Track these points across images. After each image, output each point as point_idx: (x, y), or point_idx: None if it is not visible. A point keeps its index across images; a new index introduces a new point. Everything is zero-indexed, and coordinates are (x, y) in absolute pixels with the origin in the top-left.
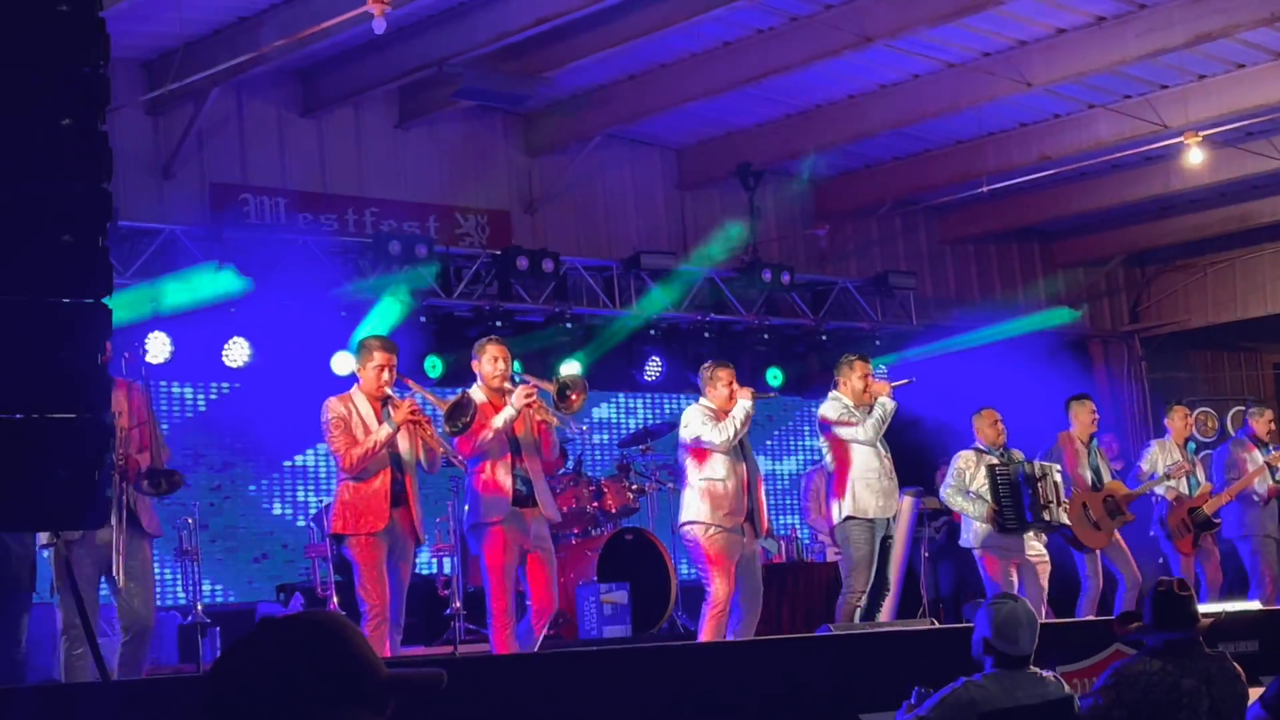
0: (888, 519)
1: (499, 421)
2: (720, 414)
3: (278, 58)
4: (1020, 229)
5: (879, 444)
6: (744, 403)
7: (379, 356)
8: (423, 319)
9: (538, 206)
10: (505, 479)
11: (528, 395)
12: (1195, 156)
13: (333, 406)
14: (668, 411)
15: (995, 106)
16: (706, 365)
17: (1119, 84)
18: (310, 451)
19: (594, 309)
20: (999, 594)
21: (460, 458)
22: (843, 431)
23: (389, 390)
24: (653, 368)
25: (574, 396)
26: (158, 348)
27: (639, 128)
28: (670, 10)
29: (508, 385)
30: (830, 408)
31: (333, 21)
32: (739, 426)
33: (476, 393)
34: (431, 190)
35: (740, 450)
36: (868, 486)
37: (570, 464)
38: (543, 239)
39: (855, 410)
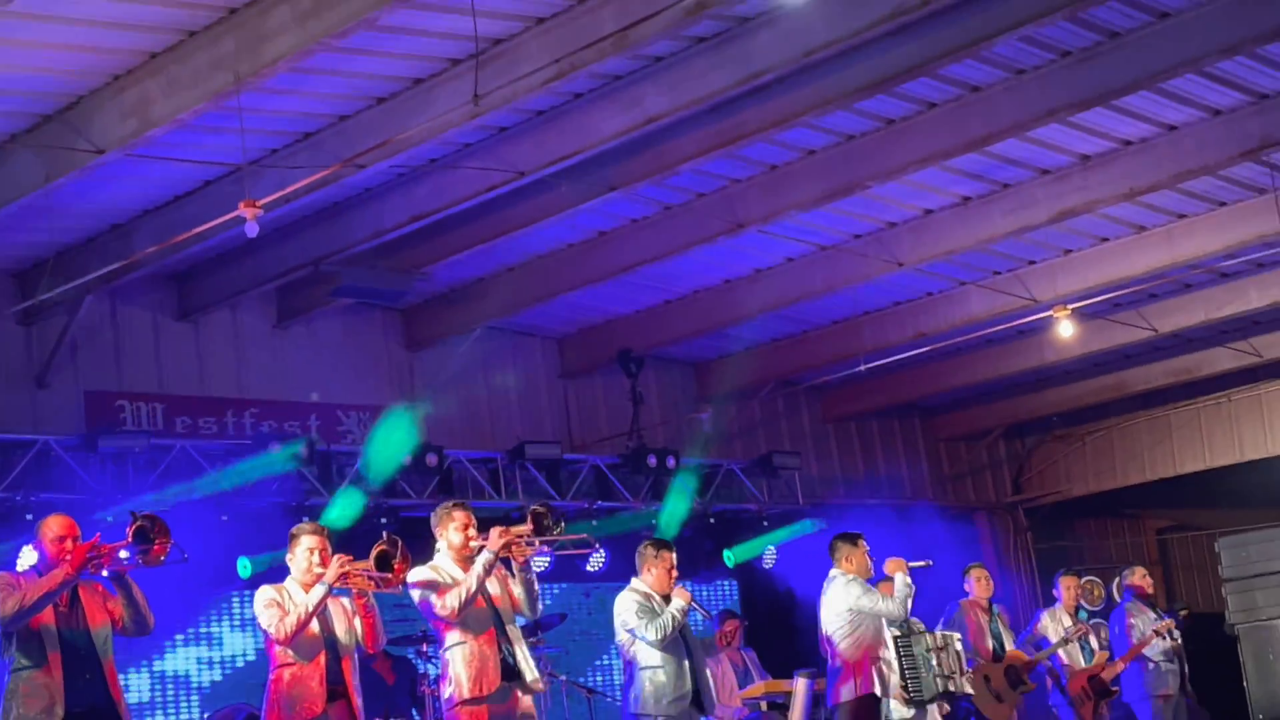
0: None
1: (478, 567)
2: (654, 598)
3: (152, 263)
4: (901, 405)
5: (885, 624)
6: (678, 602)
7: (306, 540)
8: (305, 519)
9: (420, 401)
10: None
11: (502, 535)
12: (1066, 329)
13: (264, 591)
14: (557, 602)
15: (869, 286)
16: (646, 544)
17: (988, 261)
18: (183, 654)
19: (480, 501)
20: None
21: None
22: (868, 607)
23: (320, 571)
24: (540, 558)
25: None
26: (31, 561)
27: (519, 318)
28: (545, 203)
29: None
30: (854, 585)
31: (206, 226)
32: (669, 630)
33: (443, 560)
34: (312, 389)
35: (680, 632)
36: (882, 665)
37: None
38: (426, 433)
39: (871, 587)
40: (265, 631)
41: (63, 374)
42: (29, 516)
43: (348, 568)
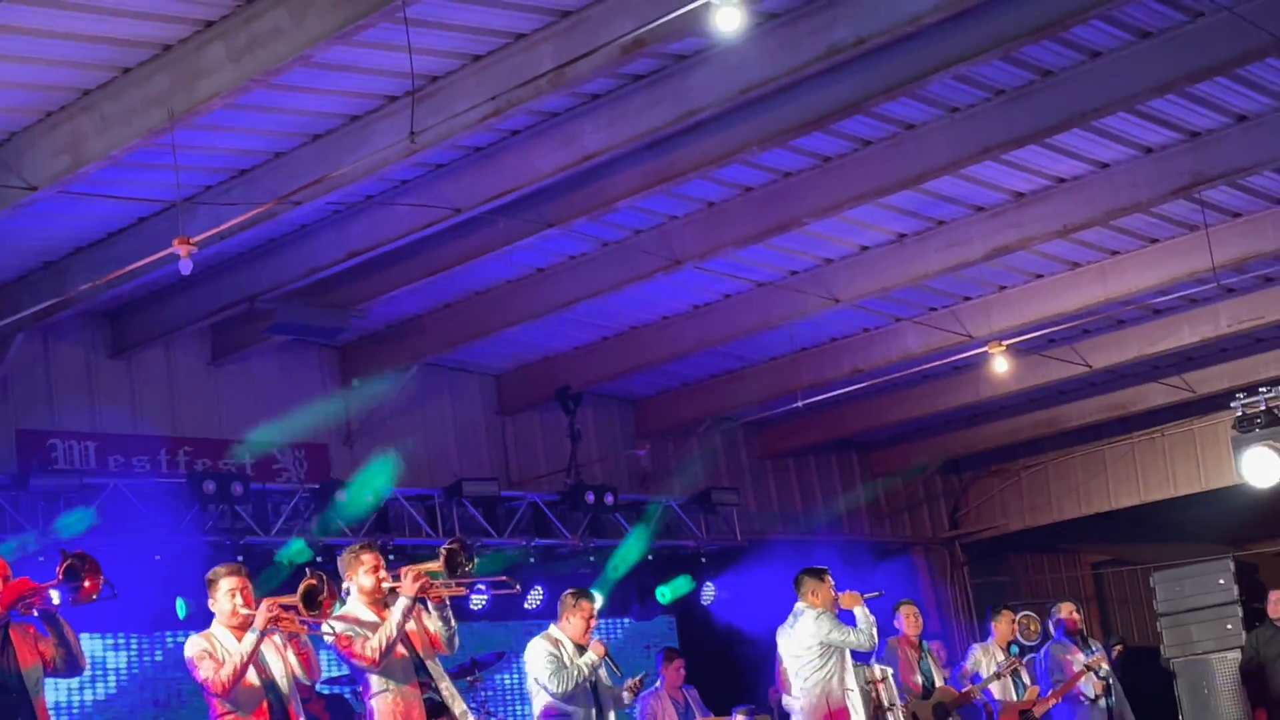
0: None
1: (397, 614)
2: (565, 647)
3: (85, 300)
4: (838, 440)
5: (848, 656)
6: (590, 656)
7: (225, 583)
8: (240, 558)
9: (356, 438)
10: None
11: (416, 578)
12: (1001, 365)
13: (194, 642)
14: (497, 640)
15: (806, 322)
16: (568, 593)
17: (924, 297)
18: (125, 700)
19: (416, 539)
20: None
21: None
22: (838, 640)
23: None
24: (479, 597)
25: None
26: None
27: (456, 355)
28: (482, 240)
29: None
30: (824, 619)
31: (140, 263)
32: (573, 685)
33: (354, 606)
34: (247, 426)
35: (592, 683)
36: (846, 695)
37: None
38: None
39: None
40: (202, 683)
41: None
42: None
43: (276, 611)
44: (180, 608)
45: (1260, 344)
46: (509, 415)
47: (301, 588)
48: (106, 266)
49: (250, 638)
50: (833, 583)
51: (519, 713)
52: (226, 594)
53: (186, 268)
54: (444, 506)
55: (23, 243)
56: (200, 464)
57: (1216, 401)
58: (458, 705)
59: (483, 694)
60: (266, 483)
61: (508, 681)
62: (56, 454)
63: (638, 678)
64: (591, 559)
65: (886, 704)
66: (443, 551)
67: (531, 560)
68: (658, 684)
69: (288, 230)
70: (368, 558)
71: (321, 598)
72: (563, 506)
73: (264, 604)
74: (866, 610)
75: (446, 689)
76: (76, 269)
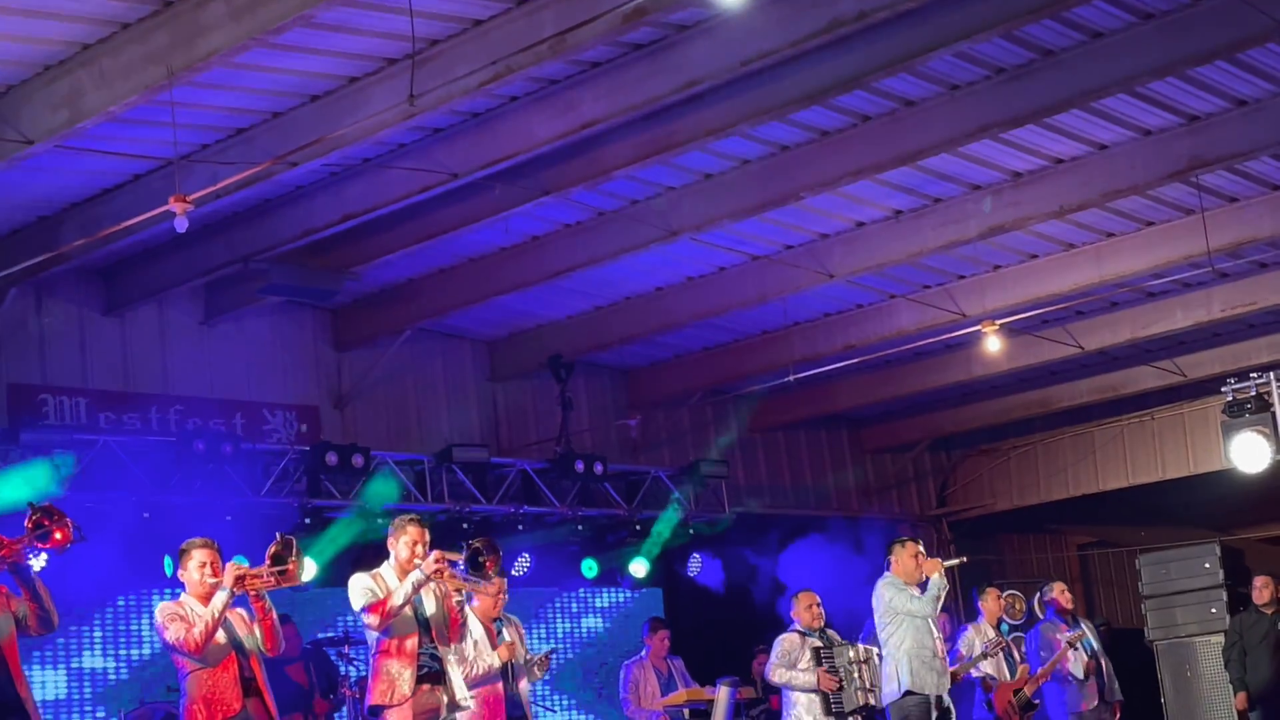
0: (940, 695)
1: (407, 584)
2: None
3: (79, 256)
4: (828, 416)
5: (931, 623)
6: (416, 574)
7: (197, 555)
8: (229, 518)
9: (347, 401)
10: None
11: (437, 561)
12: (993, 344)
13: (163, 607)
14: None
15: (800, 297)
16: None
17: (918, 275)
18: (109, 657)
19: (405, 504)
20: None
21: None
22: (900, 607)
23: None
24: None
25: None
26: None
27: (449, 321)
28: (478, 206)
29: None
30: (890, 585)
31: (135, 220)
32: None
33: (386, 571)
34: (238, 387)
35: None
36: (924, 663)
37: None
38: (353, 434)
39: (911, 589)
40: (171, 644)
41: None
42: None
43: (243, 571)
44: (168, 565)
45: (1252, 329)
46: (500, 382)
47: (270, 551)
48: (101, 223)
49: (221, 595)
50: (916, 549)
51: None
52: (196, 566)
53: (182, 226)
54: (434, 472)
55: (18, 197)
56: (191, 423)
57: (1207, 386)
58: (460, 689)
59: None
60: (256, 443)
61: None
62: (47, 409)
63: (544, 652)
64: (580, 527)
65: (869, 685)
66: (470, 546)
67: (520, 528)
68: (642, 653)
69: (284, 191)
70: (411, 530)
71: (290, 560)
72: (552, 474)
73: (230, 565)
74: (940, 578)
75: (451, 659)
76: (71, 224)
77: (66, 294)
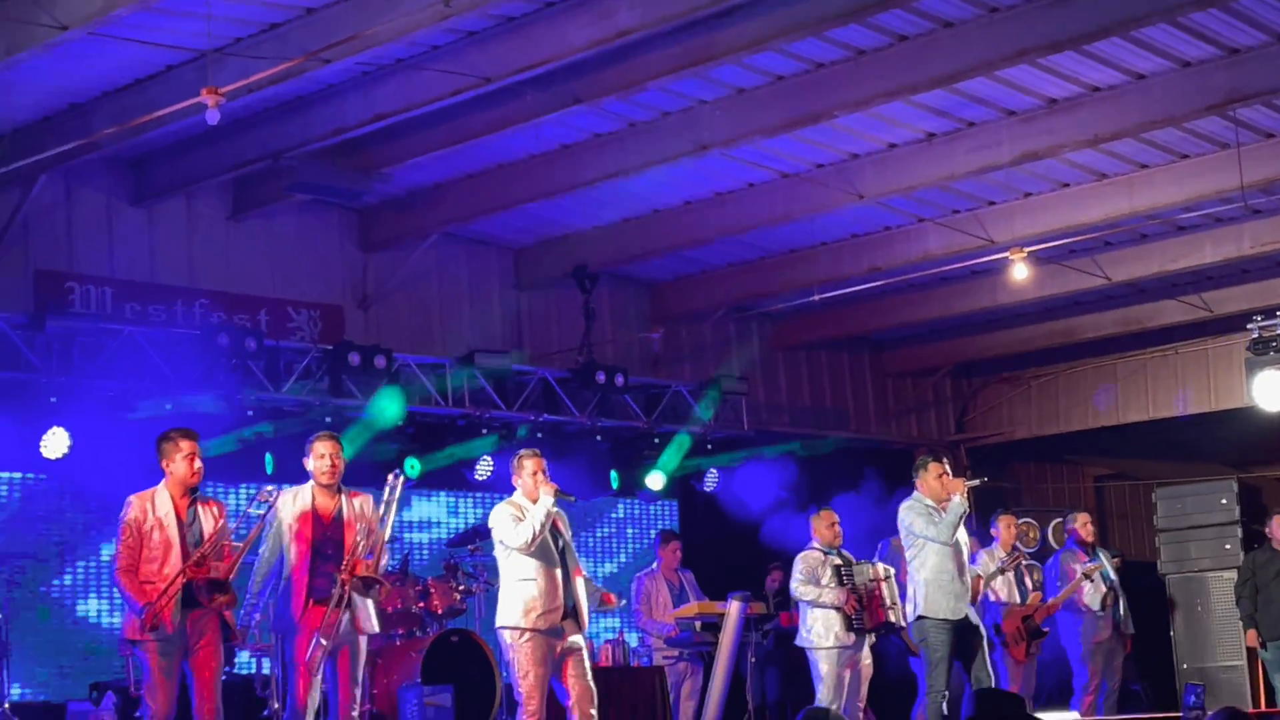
0: (965, 618)
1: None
2: (524, 508)
3: (109, 145)
4: (851, 337)
5: (954, 546)
6: (545, 500)
7: (186, 445)
8: (250, 413)
9: (371, 302)
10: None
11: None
12: (1020, 272)
13: (130, 505)
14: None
15: (828, 217)
16: (517, 454)
17: (948, 199)
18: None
19: (426, 407)
20: (814, 708)
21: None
22: (920, 532)
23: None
24: (484, 467)
25: None
26: None
27: (476, 226)
28: (509, 112)
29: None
30: (912, 509)
31: (166, 111)
32: (537, 528)
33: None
34: (263, 283)
35: (554, 544)
36: (940, 589)
37: (397, 563)
38: (376, 335)
39: (937, 510)
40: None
41: (13, 252)
42: None
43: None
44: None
45: None
46: (525, 290)
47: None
48: (133, 112)
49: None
50: (940, 469)
51: None
52: (184, 457)
53: (213, 118)
54: (455, 375)
55: (50, 83)
56: (215, 317)
57: (1233, 322)
58: (583, 613)
59: (480, 563)
60: (280, 340)
61: None
62: (74, 297)
63: (619, 596)
64: (598, 438)
65: (888, 603)
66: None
67: (539, 436)
68: (654, 565)
69: (316, 89)
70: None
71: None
72: (573, 384)
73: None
74: (962, 501)
75: (579, 595)
76: (102, 113)
77: (96, 183)
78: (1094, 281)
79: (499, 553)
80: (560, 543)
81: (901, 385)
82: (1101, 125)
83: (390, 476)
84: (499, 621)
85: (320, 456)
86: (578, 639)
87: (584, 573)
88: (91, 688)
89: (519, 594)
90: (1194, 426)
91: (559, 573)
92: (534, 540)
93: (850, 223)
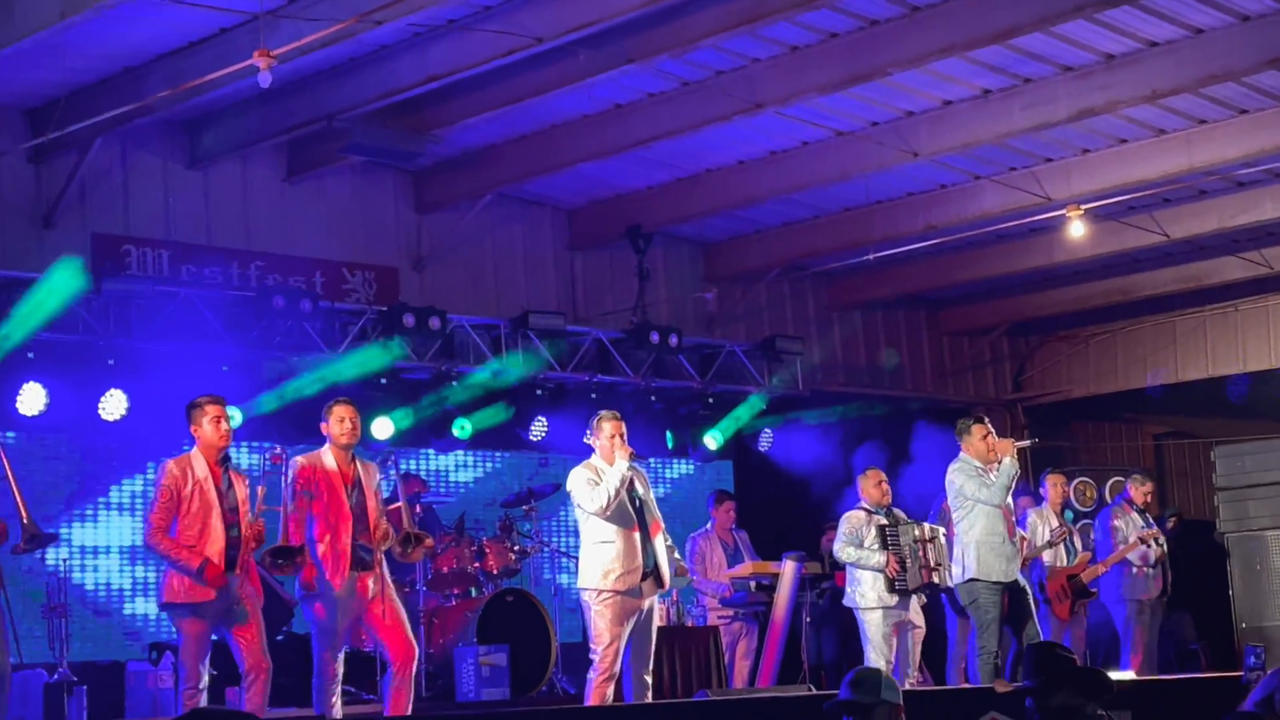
0: (1015, 580)
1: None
2: (601, 470)
3: (163, 108)
4: (906, 297)
5: (1005, 507)
6: (620, 464)
7: (212, 409)
8: (306, 374)
9: (426, 264)
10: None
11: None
12: (1078, 229)
13: (169, 471)
14: (553, 472)
15: (883, 175)
16: (596, 415)
17: (1004, 156)
18: None
19: (482, 365)
20: (863, 668)
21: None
22: (970, 493)
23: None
24: (539, 428)
25: None
26: (32, 399)
27: (530, 187)
28: (562, 72)
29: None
30: (961, 471)
31: (219, 74)
32: (612, 493)
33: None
34: (318, 245)
35: (631, 505)
36: (992, 550)
37: (452, 523)
38: (430, 296)
39: (985, 472)
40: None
41: (70, 215)
42: (30, 355)
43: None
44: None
45: None
46: (578, 250)
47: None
48: (187, 75)
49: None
50: (985, 430)
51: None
52: (211, 420)
53: (266, 81)
54: (509, 336)
55: (105, 47)
56: (270, 279)
57: None
58: (664, 571)
59: (533, 523)
60: (335, 302)
61: (562, 514)
62: (130, 260)
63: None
64: (652, 399)
65: (934, 563)
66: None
67: (593, 395)
68: (708, 525)
69: (368, 50)
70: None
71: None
72: (627, 345)
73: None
74: (1012, 462)
75: (660, 556)
76: (157, 76)
77: (151, 146)
78: (1152, 239)
79: (578, 515)
80: (639, 502)
81: (958, 344)
82: (1159, 81)
83: (391, 459)
84: (579, 583)
85: (340, 420)
86: (652, 600)
87: (663, 528)
88: (151, 647)
89: (598, 556)
90: (1254, 383)
91: (637, 535)
92: (609, 504)
93: (906, 181)
